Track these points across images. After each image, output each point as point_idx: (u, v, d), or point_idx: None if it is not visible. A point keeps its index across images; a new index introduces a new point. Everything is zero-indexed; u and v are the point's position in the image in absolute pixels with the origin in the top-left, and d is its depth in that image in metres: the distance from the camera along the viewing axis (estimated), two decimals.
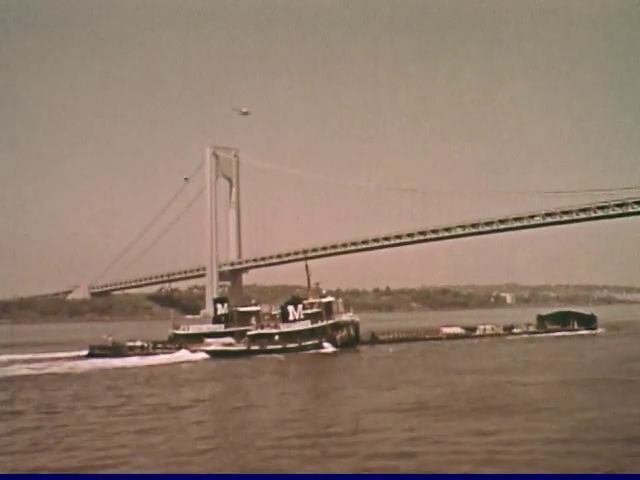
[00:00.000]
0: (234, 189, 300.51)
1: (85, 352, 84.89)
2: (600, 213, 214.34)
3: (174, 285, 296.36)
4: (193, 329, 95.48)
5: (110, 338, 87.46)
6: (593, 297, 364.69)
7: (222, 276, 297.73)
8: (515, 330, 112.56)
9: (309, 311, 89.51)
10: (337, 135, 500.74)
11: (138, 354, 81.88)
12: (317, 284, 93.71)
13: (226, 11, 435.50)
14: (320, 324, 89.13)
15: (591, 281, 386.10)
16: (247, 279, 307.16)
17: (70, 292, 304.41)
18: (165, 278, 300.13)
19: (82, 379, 63.58)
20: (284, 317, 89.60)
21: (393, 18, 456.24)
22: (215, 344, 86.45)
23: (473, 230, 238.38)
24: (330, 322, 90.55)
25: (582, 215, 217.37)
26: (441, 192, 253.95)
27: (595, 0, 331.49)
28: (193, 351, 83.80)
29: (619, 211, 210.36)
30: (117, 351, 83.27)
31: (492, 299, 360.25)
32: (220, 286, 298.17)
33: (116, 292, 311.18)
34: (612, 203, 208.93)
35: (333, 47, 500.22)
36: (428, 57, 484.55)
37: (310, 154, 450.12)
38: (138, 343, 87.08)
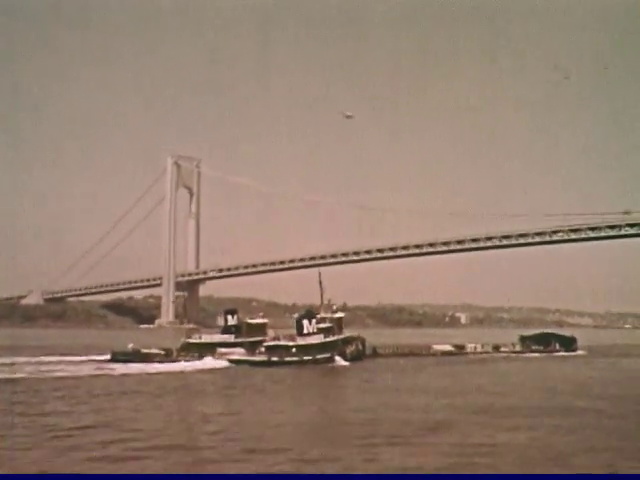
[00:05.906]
0: (194, 199, 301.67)
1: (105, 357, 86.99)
2: (555, 237, 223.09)
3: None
4: (205, 338, 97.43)
5: (131, 345, 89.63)
6: (546, 320, 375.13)
7: (179, 286, 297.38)
8: (503, 349, 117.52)
9: (322, 325, 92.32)
10: (299, 149, 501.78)
11: (163, 361, 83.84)
12: (329, 300, 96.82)
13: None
14: (332, 338, 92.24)
15: (544, 304, 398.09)
16: (204, 290, 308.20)
17: (24, 297, 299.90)
18: (121, 286, 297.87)
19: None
20: (299, 330, 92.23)
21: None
22: (236, 354, 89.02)
23: (431, 249, 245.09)
24: (341, 337, 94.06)
25: (537, 239, 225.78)
26: (399, 210, 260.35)
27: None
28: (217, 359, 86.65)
29: (573, 236, 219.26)
30: (141, 357, 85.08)
31: (447, 319, 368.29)
32: (176, 296, 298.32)
33: (71, 299, 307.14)
34: (567, 228, 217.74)
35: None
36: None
37: (272, 168, 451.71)
38: (154, 351, 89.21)
